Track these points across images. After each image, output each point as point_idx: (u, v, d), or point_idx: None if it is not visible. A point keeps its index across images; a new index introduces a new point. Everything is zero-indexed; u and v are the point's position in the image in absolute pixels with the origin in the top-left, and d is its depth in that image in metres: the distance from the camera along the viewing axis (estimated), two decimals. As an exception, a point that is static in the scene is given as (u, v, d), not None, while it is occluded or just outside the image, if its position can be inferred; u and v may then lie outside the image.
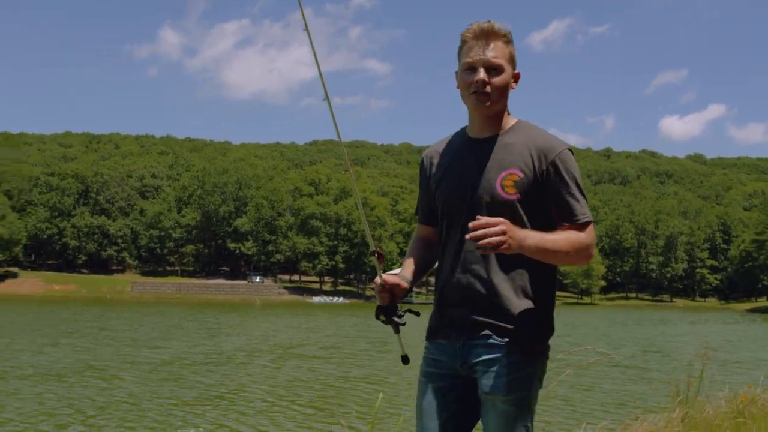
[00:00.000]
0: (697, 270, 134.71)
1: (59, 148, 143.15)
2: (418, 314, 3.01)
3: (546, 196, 2.82)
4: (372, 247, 3.03)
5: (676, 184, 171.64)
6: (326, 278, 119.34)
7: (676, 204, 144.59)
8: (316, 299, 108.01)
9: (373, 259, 3.03)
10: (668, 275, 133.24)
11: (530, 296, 2.82)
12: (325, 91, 2.94)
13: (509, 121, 2.93)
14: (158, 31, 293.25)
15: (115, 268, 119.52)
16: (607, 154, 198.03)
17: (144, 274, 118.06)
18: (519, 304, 2.79)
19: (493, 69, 2.83)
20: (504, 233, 2.57)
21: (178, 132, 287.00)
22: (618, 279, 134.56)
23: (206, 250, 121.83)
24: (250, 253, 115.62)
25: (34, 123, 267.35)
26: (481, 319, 2.80)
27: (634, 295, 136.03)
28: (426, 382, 2.97)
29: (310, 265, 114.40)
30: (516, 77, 2.95)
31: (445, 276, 2.92)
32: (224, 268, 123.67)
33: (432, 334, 2.96)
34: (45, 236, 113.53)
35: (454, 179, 2.93)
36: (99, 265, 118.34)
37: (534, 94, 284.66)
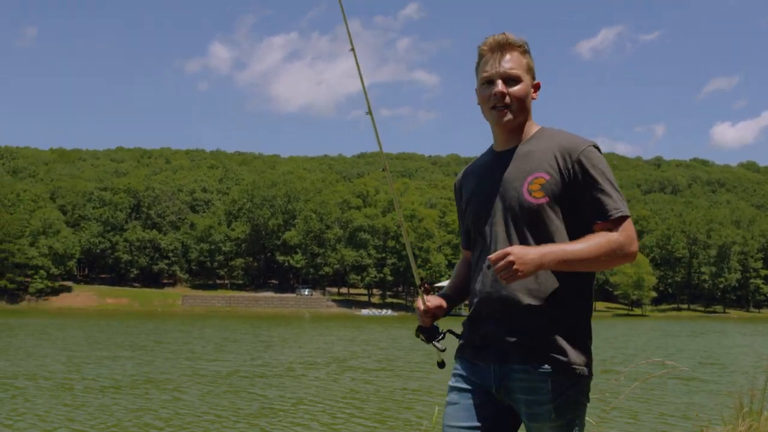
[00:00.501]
0: (751, 280, 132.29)
1: (112, 164, 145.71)
2: (460, 336, 2.95)
3: (576, 197, 2.74)
4: (418, 281, 2.99)
5: (729, 193, 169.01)
6: (374, 291, 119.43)
7: (729, 213, 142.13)
8: (365, 312, 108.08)
9: (420, 291, 2.99)
10: (721, 286, 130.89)
11: (567, 312, 2.71)
12: (368, 106, 2.94)
13: (532, 130, 2.89)
14: (208, 45, 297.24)
15: (166, 281, 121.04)
16: (658, 163, 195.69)
17: (194, 287, 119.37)
18: (555, 321, 2.69)
19: (511, 80, 2.80)
20: (511, 263, 2.52)
21: (228, 146, 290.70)
22: (669, 290, 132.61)
23: (255, 264, 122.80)
24: (298, 266, 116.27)
25: (88, 139, 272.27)
26: (515, 340, 2.71)
27: (685, 306, 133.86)
28: (456, 399, 2.88)
29: (359, 277, 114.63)
30: (536, 87, 2.91)
31: (477, 291, 2.86)
32: (273, 281, 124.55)
33: (464, 352, 2.90)
34: (98, 250, 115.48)
35: (481, 195, 2.89)
36: (150, 279, 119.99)
37: (582, 103, 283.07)
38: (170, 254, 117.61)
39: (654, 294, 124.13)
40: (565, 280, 2.72)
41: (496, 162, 2.89)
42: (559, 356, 2.67)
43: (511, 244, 2.72)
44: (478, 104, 2.90)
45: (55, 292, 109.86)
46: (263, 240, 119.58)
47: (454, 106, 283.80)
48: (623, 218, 2.71)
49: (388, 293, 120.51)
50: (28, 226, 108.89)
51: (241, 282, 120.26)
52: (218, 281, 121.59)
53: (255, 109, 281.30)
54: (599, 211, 2.71)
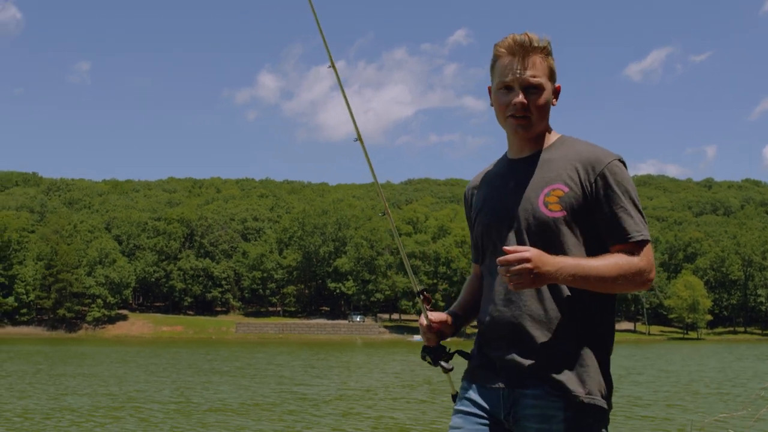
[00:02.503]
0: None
1: (164, 194, 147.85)
2: (469, 357, 2.75)
3: (596, 214, 2.53)
4: (416, 288, 2.84)
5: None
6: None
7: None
8: (417, 338, 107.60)
9: (419, 301, 2.84)
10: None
11: (585, 337, 2.51)
12: (357, 132, 2.89)
13: (551, 137, 2.69)
14: (257, 75, 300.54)
15: (219, 309, 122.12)
16: (709, 184, 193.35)
17: (247, 314, 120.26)
18: (572, 346, 2.49)
19: (533, 88, 2.59)
20: (527, 261, 2.33)
21: (277, 174, 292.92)
22: (725, 313, 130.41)
23: (307, 291, 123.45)
24: (350, 292, 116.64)
25: (140, 170, 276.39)
26: (526, 364, 2.50)
27: (742, 329, 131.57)
28: (460, 424, 2.66)
29: (410, 303, 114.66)
30: (556, 92, 2.70)
31: (486, 311, 2.65)
32: (324, 308, 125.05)
33: (472, 375, 2.68)
34: (153, 279, 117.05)
35: (493, 206, 2.68)
36: (204, 307, 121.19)
37: (632, 126, 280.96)
38: (223, 282, 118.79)
39: (709, 317, 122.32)
40: (583, 301, 2.52)
41: (510, 170, 2.70)
42: (575, 383, 2.46)
43: None
44: (492, 105, 2.72)
45: (112, 320, 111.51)
46: (314, 267, 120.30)
47: (501, 132, 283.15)
48: (644, 243, 2.51)
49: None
50: (86, 256, 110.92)
51: (293, 309, 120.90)
52: (270, 308, 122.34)
53: (303, 137, 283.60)
54: (619, 232, 2.51)
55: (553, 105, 2.69)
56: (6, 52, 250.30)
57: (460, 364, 2.82)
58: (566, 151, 2.61)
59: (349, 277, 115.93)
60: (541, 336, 2.49)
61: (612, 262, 2.42)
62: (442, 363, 2.79)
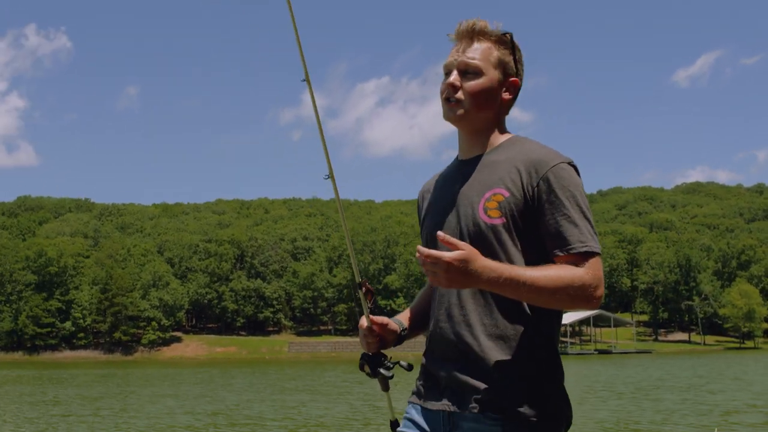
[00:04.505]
0: None
1: (213, 216, 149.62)
2: (410, 368, 2.57)
3: (538, 222, 2.32)
4: (358, 279, 2.66)
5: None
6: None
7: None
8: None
9: (360, 294, 2.65)
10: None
11: (533, 350, 2.31)
12: (330, 169, 2.73)
13: (500, 138, 2.50)
14: (301, 95, 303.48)
15: (271, 329, 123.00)
16: (760, 189, 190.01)
17: (299, 334, 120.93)
18: (517, 362, 2.29)
19: (469, 72, 2.43)
20: (445, 263, 2.10)
21: (323, 193, 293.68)
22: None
23: (357, 309, 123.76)
24: (400, 309, 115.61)
25: (188, 193, 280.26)
26: (468, 383, 2.32)
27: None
28: None
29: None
30: (510, 86, 2.50)
31: (432, 325, 2.49)
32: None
33: (417, 394, 2.51)
34: (205, 301, 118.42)
35: (438, 211, 2.51)
36: (256, 327, 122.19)
37: (680, 133, 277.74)
38: (274, 302, 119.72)
39: (766, 325, 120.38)
40: (528, 316, 2.33)
41: (457, 172, 2.53)
42: (518, 403, 2.26)
43: None
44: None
45: (166, 342, 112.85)
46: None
47: (548, 143, 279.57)
48: (589, 255, 2.26)
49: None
50: (139, 279, 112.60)
51: (344, 327, 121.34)
52: (322, 327, 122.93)
53: (348, 155, 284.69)
54: (560, 241, 2.28)
55: (505, 99, 2.50)
56: (58, 80, 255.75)
57: (402, 382, 2.58)
58: (513, 152, 2.42)
59: (399, 294, 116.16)
60: (485, 352, 2.31)
61: (552, 273, 2.20)
62: (381, 369, 2.59)
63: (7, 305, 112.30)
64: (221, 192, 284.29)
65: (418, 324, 2.68)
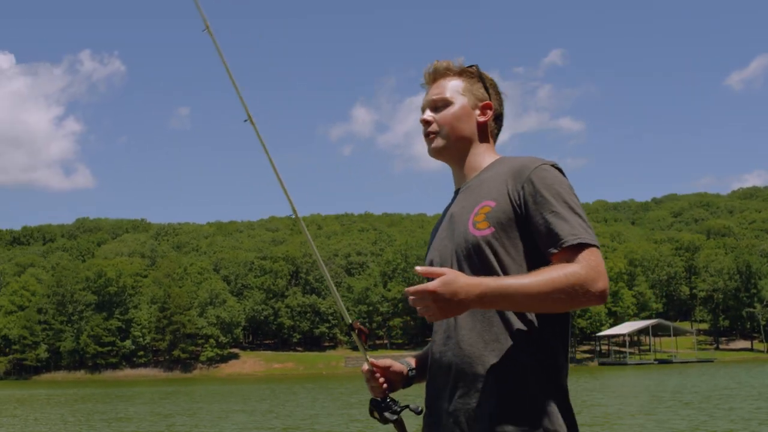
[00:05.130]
0: None
1: (267, 233, 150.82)
2: (420, 412, 2.48)
3: (529, 225, 2.27)
4: (347, 320, 2.53)
5: None
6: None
7: None
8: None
9: (354, 336, 2.54)
10: None
11: (536, 368, 2.22)
12: (293, 208, 2.75)
13: (487, 161, 2.53)
14: (350, 110, 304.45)
15: (327, 344, 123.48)
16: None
17: (354, 349, 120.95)
18: (520, 382, 2.21)
19: (438, 107, 2.53)
20: (434, 297, 2.06)
21: (375, 208, 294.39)
22: None
23: (413, 322, 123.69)
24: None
25: (242, 211, 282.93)
26: (471, 411, 2.24)
27: None
28: None
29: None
30: (483, 108, 2.55)
31: (431, 352, 2.46)
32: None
33: (426, 428, 2.44)
34: (262, 317, 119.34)
35: (437, 240, 2.51)
36: (312, 343, 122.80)
37: (735, 137, 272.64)
38: (330, 318, 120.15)
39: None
40: (534, 327, 2.25)
41: (453, 202, 2.54)
42: (521, 424, 2.18)
43: None
44: None
45: (224, 359, 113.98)
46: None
47: (601, 152, 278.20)
48: (582, 246, 2.19)
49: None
50: (197, 297, 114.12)
51: (400, 341, 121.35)
52: (378, 342, 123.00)
53: (399, 169, 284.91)
54: (551, 238, 2.23)
55: (481, 121, 2.54)
56: (112, 104, 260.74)
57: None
58: (499, 168, 2.43)
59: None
60: (485, 376, 2.23)
61: (545, 276, 2.12)
62: (387, 414, 2.49)
63: (69, 325, 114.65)
64: (274, 209, 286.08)
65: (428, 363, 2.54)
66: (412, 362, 2.64)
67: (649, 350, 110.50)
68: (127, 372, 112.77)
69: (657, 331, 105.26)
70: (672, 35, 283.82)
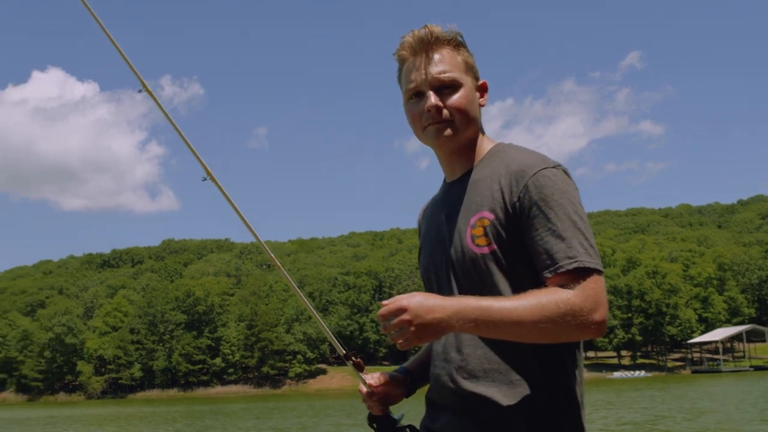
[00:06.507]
0: None
1: (348, 249, 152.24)
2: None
3: (527, 241, 2.00)
4: (341, 352, 2.37)
5: None
6: (624, 352, 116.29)
7: None
8: (617, 375, 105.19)
9: (349, 365, 2.37)
10: None
11: (541, 395, 1.99)
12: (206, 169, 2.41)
13: (485, 148, 2.22)
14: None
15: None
16: None
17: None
18: (523, 408, 1.99)
19: (446, 87, 2.15)
20: (403, 310, 1.86)
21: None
22: None
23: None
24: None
25: (322, 227, 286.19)
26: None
27: None
28: None
29: (606, 340, 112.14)
30: (482, 89, 2.26)
31: (431, 372, 2.24)
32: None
33: None
34: (347, 332, 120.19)
35: (429, 243, 2.26)
36: (398, 357, 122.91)
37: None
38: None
39: None
40: (536, 351, 2.00)
41: (444, 197, 2.26)
42: None
43: None
44: (409, 124, 2.24)
45: (312, 375, 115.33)
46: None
47: (682, 154, 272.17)
48: (583, 271, 1.90)
49: (638, 353, 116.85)
50: (283, 314, 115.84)
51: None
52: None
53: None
54: (546, 261, 1.95)
55: (482, 105, 2.25)
56: (193, 126, 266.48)
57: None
58: (495, 165, 2.13)
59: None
60: (484, 399, 2.03)
61: (533, 301, 1.86)
62: None
63: (161, 344, 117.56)
64: (353, 225, 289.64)
65: (428, 371, 2.33)
66: (412, 368, 2.45)
67: (744, 356, 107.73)
68: (218, 389, 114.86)
69: (751, 336, 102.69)
70: (751, 33, 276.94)
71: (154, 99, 2.39)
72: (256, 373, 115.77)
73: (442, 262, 2.16)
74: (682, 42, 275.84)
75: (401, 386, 2.40)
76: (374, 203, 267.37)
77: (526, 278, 2.00)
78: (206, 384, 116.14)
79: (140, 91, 2.39)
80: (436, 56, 2.15)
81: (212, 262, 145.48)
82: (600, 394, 56.57)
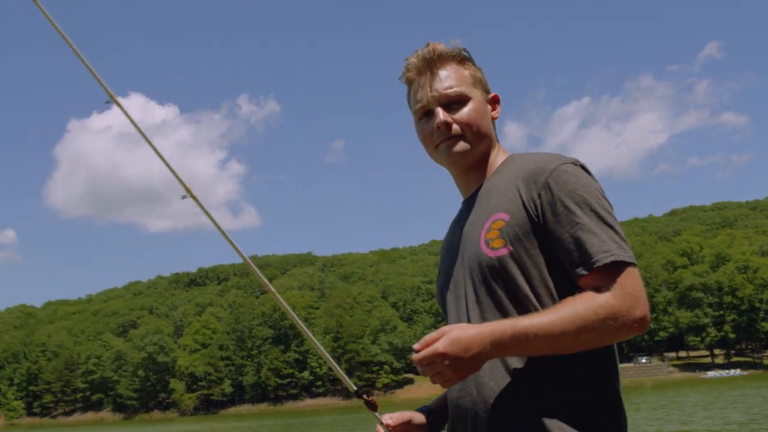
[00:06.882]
0: None
1: (430, 257, 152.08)
2: None
3: (550, 239, 1.89)
4: (351, 389, 2.24)
5: None
6: (717, 351, 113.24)
7: None
8: (711, 374, 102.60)
9: (361, 403, 2.25)
10: None
11: (573, 411, 1.84)
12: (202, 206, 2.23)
13: (499, 161, 2.14)
14: (502, 127, 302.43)
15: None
16: None
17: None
18: (543, 427, 1.84)
19: (454, 102, 2.09)
20: (442, 355, 1.75)
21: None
22: None
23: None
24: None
25: (402, 237, 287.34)
26: None
27: None
28: None
29: (698, 338, 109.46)
30: (493, 101, 2.18)
31: (449, 398, 2.09)
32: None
33: None
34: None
35: (446, 260, 2.17)
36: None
37: None
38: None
39: None
40: (561, 366, 1.87)
41: (461, 214, 2.18)
42: None
43: (477, 319, 1.94)
44: (422, 144, 2.18)
45: (400, 384, 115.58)
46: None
47: (766, 145, 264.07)
48: (618, 266, 1.80)
49: (732, 351, 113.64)
50: (368, 325, 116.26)
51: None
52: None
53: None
54: (577, 258, 1.84)
55: (494, 118, 2.18)
56: (270, 144, 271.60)
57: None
58: (511, 170, 2.04)
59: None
60: (504, 422, 1.89)
61: (569, 311, 1.77)
62: None
63: (249, 360, 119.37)
64: (434, 233, 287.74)
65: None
66: (434, 406, 2.33)
67: None
68: (308, 402, 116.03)
69: None
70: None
71: (123, 110, 2.33)
72: (345, 385, 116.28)
73: (461, 278, 2.05)
74: (762, 29, 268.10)
75: (422, 427, 2.28)
76: (454, 211, 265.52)
77: (549, 279, 1.91)
78: (295, 397, 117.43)
79: (107, 102, 2.31)
80: (442, 73, 2.11)
81: (296, 276, 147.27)
82: (697, 395, 55.32)
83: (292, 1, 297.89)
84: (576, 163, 1.96)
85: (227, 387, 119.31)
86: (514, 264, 1.91)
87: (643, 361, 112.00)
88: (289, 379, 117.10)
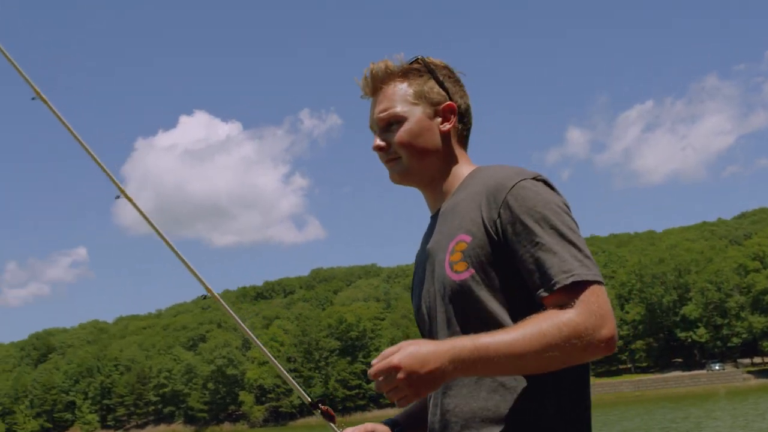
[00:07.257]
0: None
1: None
2: None
3: (513, 260, 1.84)
4: (306, 400, 2.21)
5: None
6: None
7: None
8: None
9: (316, 414, 2.22)
10: None
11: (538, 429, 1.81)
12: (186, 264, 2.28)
13: (462, 174, 2.10)
14: (564, 133, 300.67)
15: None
16: None
17: (597, 375, 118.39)
18: None
19: (392, 124, 2.08)
20: (397, 369, 1.67)
21: (600, 230, 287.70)
22: None
23: (656, 344, 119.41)
24: (702, 340, 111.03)
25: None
26: None
27: None
28: None
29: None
30: (445, 112, 2.09)
31: (429, 421, 2.04)
32: (677, 360, 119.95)
33: None
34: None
35: (418, 281, 2.14)
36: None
37: None
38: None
39: None
40: (530, 384, 1.83)
41: (428, 233, 2.15)
42: None
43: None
44: None
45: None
46: (659, 318, 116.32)
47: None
48: (581, 285, 1.73)
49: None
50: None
51: (644, 364, 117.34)
52: (621, 366, 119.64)
53: (620, 187, 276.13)
54: (539, 279, 1.78)
55: (443, 131, 2.10)
56: (333, 157, 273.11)
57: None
58: (472, 186, 2.01)
59: (699, 324, 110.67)
60: None
61: (533, 329, 1.69)
62: None
63: (317, 371, 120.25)
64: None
65: (420, 421, 2.19)
66: (401, 418, 2.30)
67: None
68: (375, 413, 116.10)
69: None
70: None
71: (48, 106, 2.31)
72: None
73: (430, 298, 2.03)
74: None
75: None
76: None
77: (520, 297, 1.86)
78: (363, 408, 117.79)
79: (33, 98, 2.28)
80: (380, 95, 2.12)
81: (361, 288, 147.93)
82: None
83: (349, 14, 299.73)
84: (537, 178, 1.90)
85: (296, 399, 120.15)
86: (477, 286, 1.87)
87: (717, 368, 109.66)
88: (357, 390, 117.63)
